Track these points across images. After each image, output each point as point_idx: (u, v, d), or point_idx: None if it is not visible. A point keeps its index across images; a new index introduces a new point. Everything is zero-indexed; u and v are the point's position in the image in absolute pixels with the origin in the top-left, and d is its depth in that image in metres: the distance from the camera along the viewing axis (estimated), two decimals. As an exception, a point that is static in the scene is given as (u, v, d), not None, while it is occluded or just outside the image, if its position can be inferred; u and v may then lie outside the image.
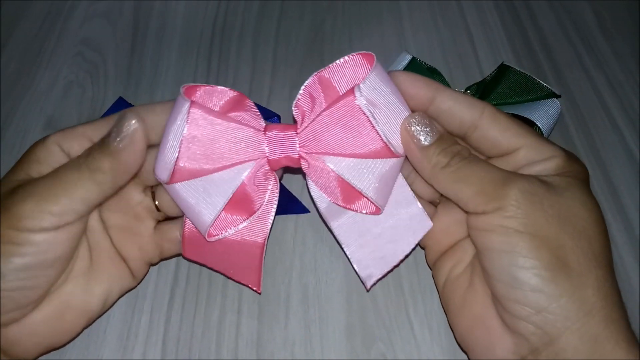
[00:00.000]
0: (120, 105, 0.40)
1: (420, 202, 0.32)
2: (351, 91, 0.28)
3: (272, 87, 0.46)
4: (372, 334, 0.34)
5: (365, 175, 0.30)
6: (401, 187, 0.32)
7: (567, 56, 0.48)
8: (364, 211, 0.32)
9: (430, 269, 0.33)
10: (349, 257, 0.32)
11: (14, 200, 0.27)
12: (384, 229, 0.32)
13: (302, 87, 0.31)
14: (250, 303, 0.35)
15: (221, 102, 0.31)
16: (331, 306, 0.35)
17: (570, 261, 0.25)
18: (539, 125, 0.38)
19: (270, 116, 0.39)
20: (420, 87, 0.30)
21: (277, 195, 0.32)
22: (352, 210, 0.32)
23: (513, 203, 0.26)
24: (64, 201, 0.27)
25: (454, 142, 0.29)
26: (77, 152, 0.29)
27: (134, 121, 0.28)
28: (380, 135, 0.28)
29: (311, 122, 0.30)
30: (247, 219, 0.32)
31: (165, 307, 0.35)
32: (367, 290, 0.35)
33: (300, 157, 0.31)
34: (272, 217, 0.32)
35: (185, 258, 0.34)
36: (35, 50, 0.49)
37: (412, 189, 0.32)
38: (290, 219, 0.38)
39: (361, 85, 0.28)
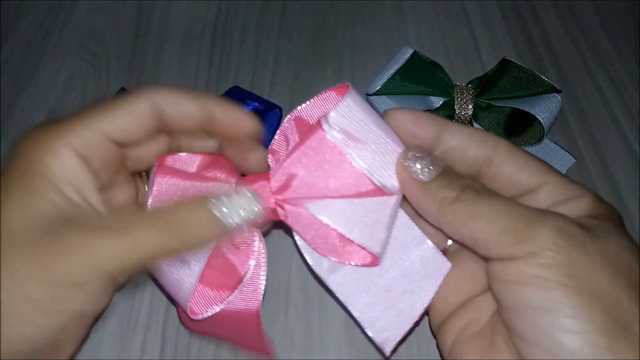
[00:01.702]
0: (123, 96, 0.40)
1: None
2: (320, 123, 0.24)
3: (274, 82, 0.47)
4: (372, 324, 0.34)
5: (357, 220, 0.25)
6: (405, 227, 0.27)
7: (568, 52, 0.48)
8: (359, 263, 0.27)
9: (434, 336, 0.28)
10: (358, 320, 0.27)
11: (55, 252, 0.21)
12: (393, 280, 0.27)
13: (277, 132, 0.28)
14: (250, 293, 0.35)
15: (196, 164, 0.28)
16: (331, 297, 0.35)
17: (630, 323, 0.20)
18: (540, 119, 0.38)
19: (271, 108, 0.39)
20: (424, 124, 0.26)
21: (264, 256, 0.27)
22: (346, 263, 0.27)
23: (550, 247, 0.21)
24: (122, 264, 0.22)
25: (460, 175, 0.25)
26: (99, 159, 0.24)
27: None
28: (363, 172, 0.24)
29: (283, 165, 0.26)
30: (234, 289, 0.27)
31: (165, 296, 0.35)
32: (387, 359, 0.28)
33: (277, 205, 0.27)
34: (263, 281, 0.27)
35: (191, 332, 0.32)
36: (37, 42, 0.49)
37: None
38: (290, 210, 0.38)
39: (331, 114, 0.24)
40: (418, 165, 0.24)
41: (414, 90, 0.40)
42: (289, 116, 0.27)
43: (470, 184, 0.24)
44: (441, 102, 0.40)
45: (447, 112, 0.41)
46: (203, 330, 0.30)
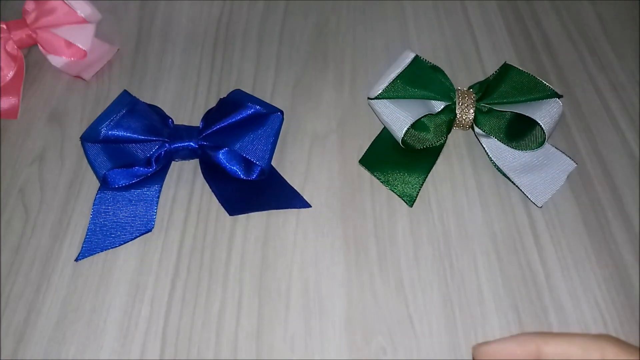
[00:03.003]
0: (125, 99, 0.40)
1: None
2: None
3: (276, 85, 0.47)
4: (372, 328, 0.34)
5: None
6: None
7: (569, 57, 0.48)
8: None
9: None
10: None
11: None
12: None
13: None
14: (250, 296, 0.35)
15: None
16: (331, 300, 0.35)
17: None
18: (541, 124, 0.38)
19: (273, 111, 0.39)
20: (524, 342, 0.25)
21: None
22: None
23: None
24: None
25: None
26: None
27: None
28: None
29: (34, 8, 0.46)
30: None
31: (166, 298, 0.35)
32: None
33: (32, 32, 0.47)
34: None
35: None
36: (40, 44, 0.49)
37: None
38: (291, 213, 0.38)
39: None
40: None
41: (416, 94, 0.40)
42: None
43: None
44: (442, 107, 0.40)
45: (448, 116, 0.41)
46: None
